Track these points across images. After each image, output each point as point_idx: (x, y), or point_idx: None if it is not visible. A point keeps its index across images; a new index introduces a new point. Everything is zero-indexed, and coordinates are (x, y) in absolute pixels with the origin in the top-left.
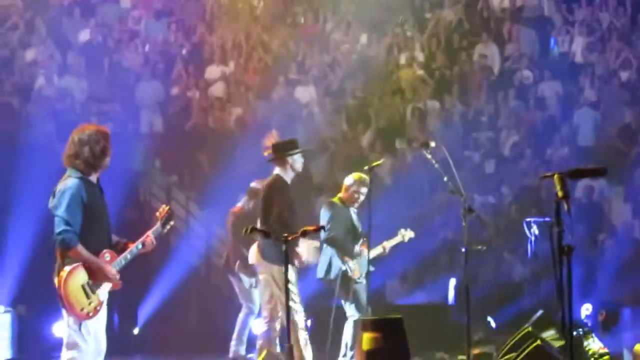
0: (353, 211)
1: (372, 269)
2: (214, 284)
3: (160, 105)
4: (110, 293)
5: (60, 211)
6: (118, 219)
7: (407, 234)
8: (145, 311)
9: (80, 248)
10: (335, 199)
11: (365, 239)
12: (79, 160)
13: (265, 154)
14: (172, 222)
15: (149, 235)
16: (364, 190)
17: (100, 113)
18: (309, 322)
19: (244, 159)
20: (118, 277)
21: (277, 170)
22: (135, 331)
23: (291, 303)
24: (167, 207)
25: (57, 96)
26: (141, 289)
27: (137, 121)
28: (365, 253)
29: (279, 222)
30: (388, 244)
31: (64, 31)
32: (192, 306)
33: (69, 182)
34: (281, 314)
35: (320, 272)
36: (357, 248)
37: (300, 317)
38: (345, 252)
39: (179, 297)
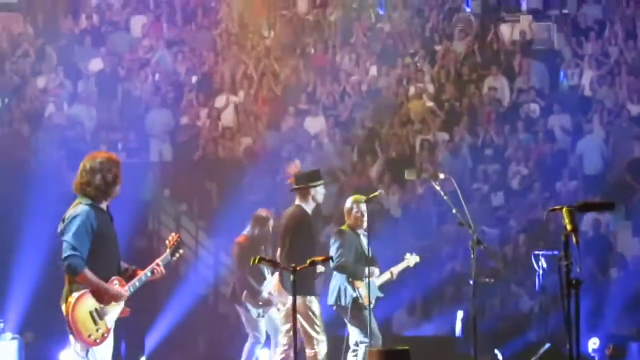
0: (363, 235)
1: (381, 295)
2: (222, 313)
3: (170, 135)
4: (118, 321)
5: (68, 237)
6: (127, 247)
7: (412, 259)
8: (153, 339)
9: (88, 272)
10: (344, 227)
11: (375, 265)
12: (90, 188)
13: (289, 182)
14: (181, 251)
15: (159, 264)
16: (364, 207)
17: (110, 142)
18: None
19: (253, 189)
20: (127, 295)
21: (298, 201)
22: (143, 359)
23: (313, 334)
24: (177, 236)
25: (67, 124)
26: (149, 317)
27: (147, 150)
28: (377, 273)
29: (297, 253)
30: (396, 270)
31: (75, 60)
32: (200, 335)
33: (79, 209)
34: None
35: (331, 299)
36: (369, 269)
37: (322, 347)
38: (355, 277)
39: (187, 326)
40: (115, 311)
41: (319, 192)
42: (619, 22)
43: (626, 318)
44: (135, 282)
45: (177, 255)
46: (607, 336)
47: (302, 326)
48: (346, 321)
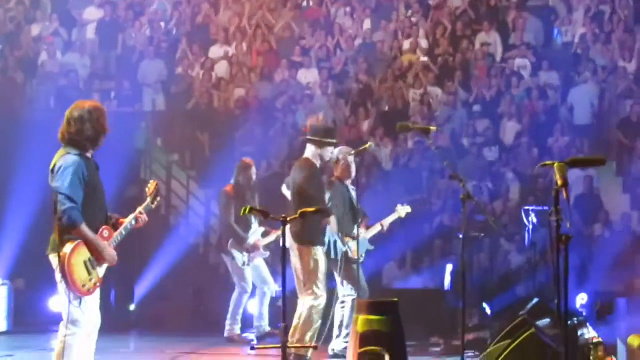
0: (352, 189)
1: (371, 248)
2: (212, 263)
3: (163, 84)
4: (108, 269)
5: (64, 188)
6: (119, 196)
7: (403, 209)
8: (142, 288)
9: (85, 227)
10: (333, 178)
11: (364, 218)
12: (80, 138)
13: (304, 130)
14: (159, 198)
15: (141, 212)
16: (352, 159)
17: (102, 90)
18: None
19: (245, 140)
20: (116, 259)
21: (307, 154)
22: (132, 308)
23: (313, 287)
24: (155, 183)
25: (61, 72)
26: (138, 266)
27: (140, 99)
28: (364, 234)
29: (312, 203)
30: (386, 222)
31: (69, 7)
32: (189, 285)
33: (69, 159)
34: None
35: None
36: (356, 230)
37: (320, 301)
38: (345, 232)
39: (177, 275)
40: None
41: (328, 150)
42: None
43: (614, 274)
44: (122, 231)
45: (156, 202)
46: (595, 292)
47: (302, 276)
48: (335, 273)
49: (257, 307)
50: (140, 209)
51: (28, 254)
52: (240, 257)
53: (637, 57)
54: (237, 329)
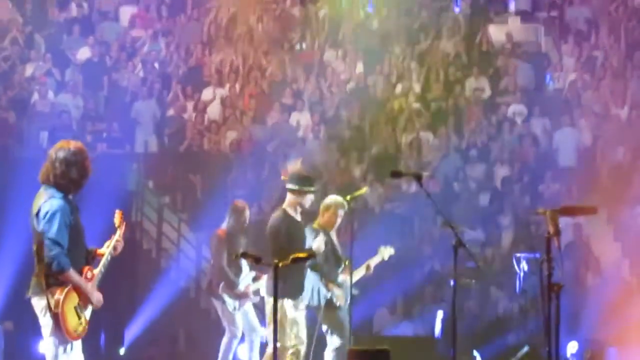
0: (333, 235)
1: (355, 292)
2: (203, 307)
3: (155, 126)
4: (97, 312)
5: (52, 234)
6: (109, 237)
7: (386, 251)
8: (132, 332)
9: (72, 272)
10: (315, 225)
11: (347, 264)
12: (64, 181)
13: (283, 178)
14: (124, 225)
15: (118, 240)
16: (342, 212)
17: (95, 131)
18: None
19: (237, 183)
20: (102, 302)
21: (285, 204)
22: (122, 352)
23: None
24: (120, 212)
25: (53, 112)
26: (129, 309)
27: (132, 141)
28: (348, 281)
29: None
30: (372, 262)
31: (63, 48)
32: (180, 329)
33: (55, 203)
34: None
35: (305, 300)
36: (340, 277)
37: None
38: (329, 278)
39: (167, 319)
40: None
41: (308, 197)
42: (605, 25)
43: (605, 322)
44: (101, 269)
45: (124, 229)
46: (585, 340)
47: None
48: (319, 320)
49: (247, 353)
50: (114, 238)
51: (18, 295)
52: (231, 301)
53: (629, 103)
54: None
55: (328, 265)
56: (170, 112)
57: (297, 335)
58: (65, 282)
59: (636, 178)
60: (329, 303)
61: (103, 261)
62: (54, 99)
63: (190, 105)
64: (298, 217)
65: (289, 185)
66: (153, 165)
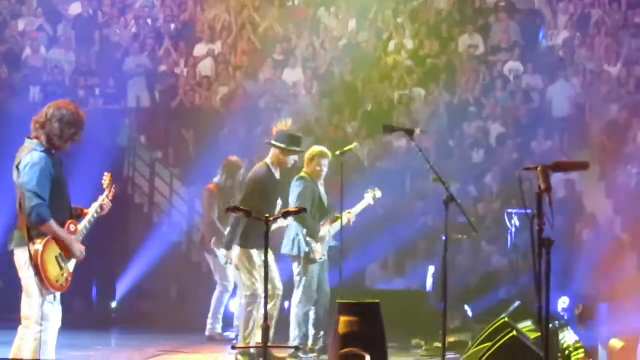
0: (321, 184)
1: (334, 243)
2: (195, 261)
3: (148, 82)
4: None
5: (32, 186)
6: (101, 192)
7: (373, 193)
8: (124, 285)
9: (53, 223)
10: (303, 174)
11: (331, 215)
12: (52, 136)
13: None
14: (114, 188)
15: (105, 199)
16: (326, 162)
17: (87, 87)
18: (286, 304)
19: (229, 138)
20: (84, 255)
21: (268, 158)
22: (113, 305)
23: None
24: (109, 175)
25: (45, 68)
26: (121, 263)
27: (125, 96)
28: (329, 236)
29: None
30: (355, 210)
31: (55, 3)
32: (171, 283)
33: (36, 156)
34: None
35: (285, 248)
36: (322, 231)
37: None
38: (311, 232)
39: (159, 273)
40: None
41: (291, 158)
42: None
43: (596, 278)
44: (86, 224)
45: (112, 192)
46: (576, 296)
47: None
48: (295, 271)
49: (238, 307)
50: (101, 198)
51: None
52: (223, 254)
53: (623, 61)
54: (219, 328)
55: (314, 217)
56: (163, 68)
57: (271, 283)
58: (46, 233)
59: (629, 136)
60: (307, 256)
61: (88, 218)
62: (46, 54)
63: (182, 61)
64: (277, 175)
65: (276, 143)
66: (145, 120)
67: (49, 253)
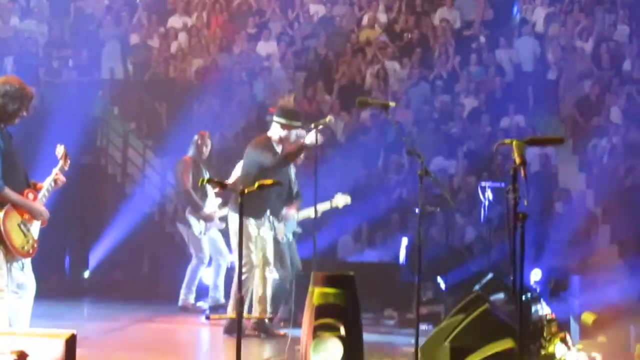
0: (292, 168)
1: (299, 230)
2: (168, 231)
3: (121, 53)
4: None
5: None
6: (74, 163)
7: (342, 199)
8: (96, 255)
9: (8, 190)
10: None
11: (298, 200)
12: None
13: (270, 110)
14: (68, 160)
15: (57, 173)
16: (293, 134)
17: (61, 58)
18: None
19: (202, 110)
20: (47, 214)
21: (270, 132)
22: (86, 275)
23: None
24: (62, 146)
25: (18, 38)
26: (93, 233)
27: (98, 68)
28: (292, 216)
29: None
30: (320, 208)
31: None
32: (144, 253)
33: None
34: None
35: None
36: (284, 211)
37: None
38: (274, 212)
39: (132, 243)
40: (37, 222)
41: (293, 132)
42: None
43: (569, 251)
44: (44, 193)
45: (67, 163)
46: (549, 268)
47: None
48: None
49: (212, 278)
50: (55, 170)
51: None
52: (197, 225)
53: (595, 37)
54: (192, 299)
55: (280, 198)
56: (136, 39)
57: (264, 255)
58: (4, 203)
59: (602, 110)
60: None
61: (43, 192)
62: (18, 24)
63: (155, 33)
64: (279, 150)
65: (278, 119)
66: (119, 92)
67: (10, 221)
